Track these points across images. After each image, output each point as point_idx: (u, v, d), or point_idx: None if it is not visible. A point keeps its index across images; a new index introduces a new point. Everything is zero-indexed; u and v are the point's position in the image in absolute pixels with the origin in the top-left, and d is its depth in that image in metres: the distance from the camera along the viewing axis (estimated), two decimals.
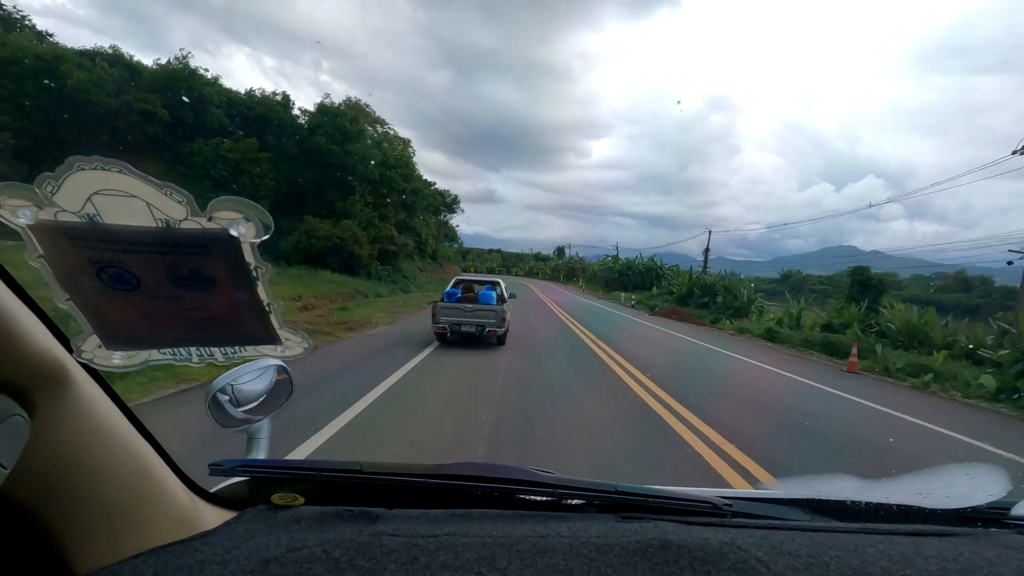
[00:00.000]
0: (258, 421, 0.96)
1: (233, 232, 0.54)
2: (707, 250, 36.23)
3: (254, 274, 0.58)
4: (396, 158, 35.11)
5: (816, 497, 0.88)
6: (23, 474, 0.50)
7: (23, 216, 0.48)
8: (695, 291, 30.58)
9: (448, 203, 55.75)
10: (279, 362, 1.01)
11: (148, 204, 0.51)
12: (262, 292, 0.60)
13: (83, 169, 0.48)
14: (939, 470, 0.90)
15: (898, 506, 0.84)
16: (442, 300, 9.72)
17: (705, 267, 35.90)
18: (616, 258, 52.39)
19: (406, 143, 39.02)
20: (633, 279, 44.39)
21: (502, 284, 11.19)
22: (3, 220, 0.48)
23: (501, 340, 9.71)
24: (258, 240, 0.55)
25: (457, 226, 60.92)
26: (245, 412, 0.95)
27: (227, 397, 0.92)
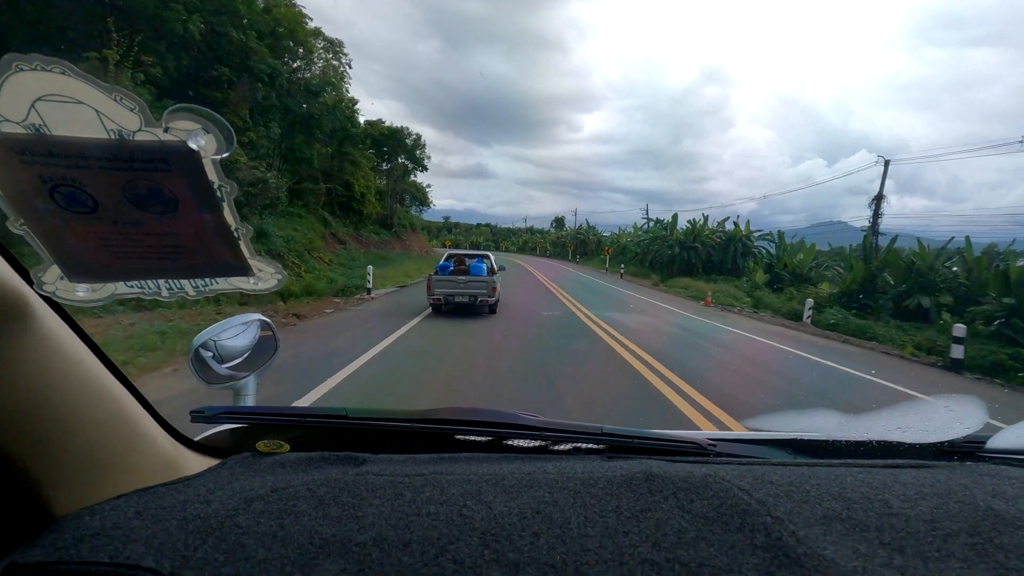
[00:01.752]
0: (243, 378, 0.95)
1: (192, 145, 0.49)
2: (878, 205, 19.08)
3: (219, 194, 0.54)
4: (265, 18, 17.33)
5: (798, 438, 0.91)
6: None
7: None
8: (879, 282, 15.13)
9: (409, 149, 37.32)
10: (262, 316, 1.02)
11: (97, 112, 0.47)
12: (228, 215, 0.56)
13: (22, 70, 0.44)
14: (918, 404, 0.93)
15: (877, 442, 0.86)
16: (436, 273, 10.45)
17: (875, 233, 18.83)
18: (663, 224, 33.59)
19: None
20: (702, 258, 26.77)
21: (491, 257, 12.02)
22: None
23: (492, 309, 10.45)
24: (220, 156, 0.51)
25: (428, 186, 42.41)
26: (229, 368, 0.93)
27: (210, 353, 0.91)
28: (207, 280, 0.63)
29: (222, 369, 0.93)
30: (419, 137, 37.91)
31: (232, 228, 0.57)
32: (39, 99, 0.45)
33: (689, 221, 28.75)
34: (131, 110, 0.47)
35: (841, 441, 0.89)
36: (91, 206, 0.52)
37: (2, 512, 0.55)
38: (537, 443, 0.81)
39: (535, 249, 72.73)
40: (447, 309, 10.27)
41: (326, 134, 23.15)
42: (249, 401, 0.96)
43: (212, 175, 0.52)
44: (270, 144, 17.29)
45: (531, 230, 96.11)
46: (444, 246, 47.57)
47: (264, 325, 1.02)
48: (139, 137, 0.49)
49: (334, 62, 30.13)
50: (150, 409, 0.70)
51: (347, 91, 30.12)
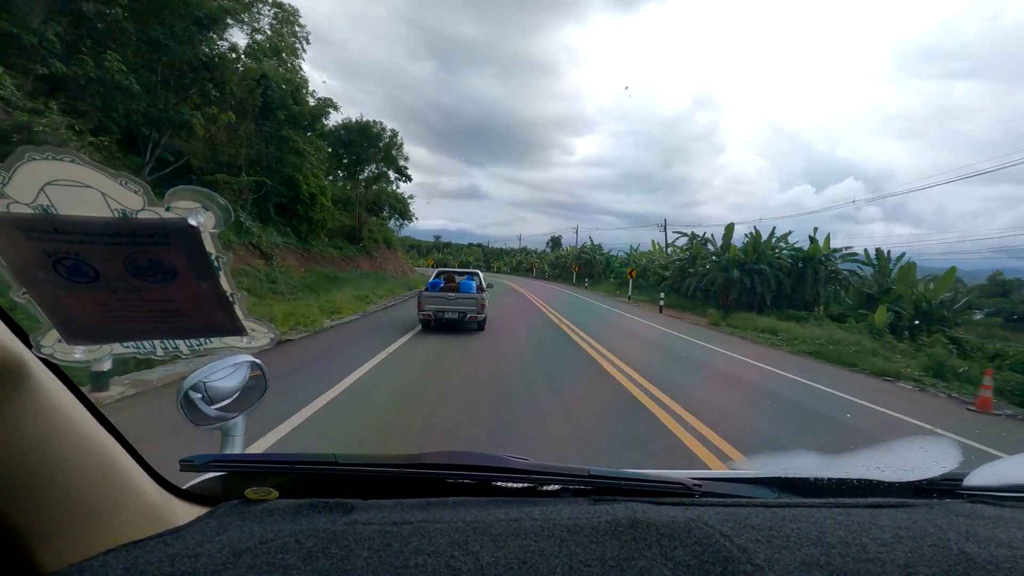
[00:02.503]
0: (232, 418, 0.94)
1: (192, 222, 0.53)
2: None
3: (216, 264, 0.57)
4: None
5: (782, 476, 0.91)
6: None
7: None
8: None
9: (383, 149, 30.12)
10: (252, 358, 1.00)
11: (103, 194, 0.50)
12: (224, 282, 0.59)
13: (34, 159, 0.47)
14: (895, 444, 0.95)
15: (858, 480, 0.87)
16: (426, 290, 10.49)
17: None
18: (702, 239, 25.79)
19: None
20: (771, 286, 19.60)
21: (480, 275, 12.23)
22: None
23: (480, 326, 10.52)
24: (218, 230, 0.55)
25: (411, 197, 34.93)
26: (219, 409, 0.93)
27: (200, 395, 0.91)
28: (202, 340, 0.66)
29: (211, 411, 0.92)
30: (395, 135, 30.67)
31: (228, 294, 0.60)
32: (48, 183, 0.48)
33: (748, 234, 21.47)
34: (135, 192, 0.51)
35: (823, 479, 0.89)
36: (92, 276, 0.55)
37: None
38: (524, 485, 0.81)
39: (531, 270, 64.54)
40: (435, 324, 10.24)
41: (239, 102, 15.98)
42: (238, 441, 0.96)
43: (210, 247, 0.56)
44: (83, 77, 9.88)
45: (525, 250, 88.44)
46: (429, 266, 40.88)
47: (254, 366, 1.00)
48: (142, 216, 0.52)
49: (284, 31, 22.96)
50: (139, 459, 0.70)
51: (299, 69, 23.24)
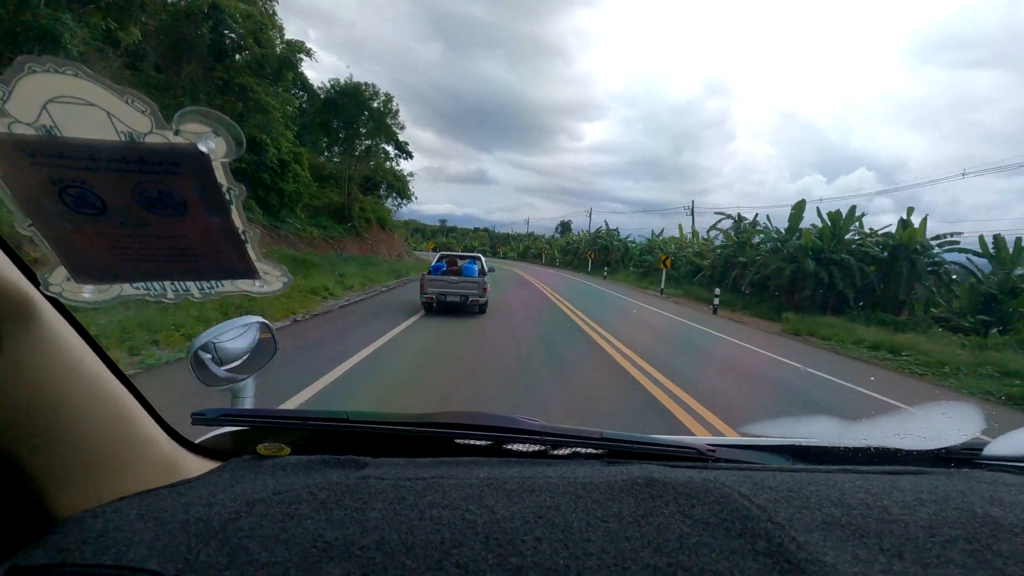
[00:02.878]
0: (242, 380, 0.94)
1: (203, 148, 0.50)
2: None
3: (227, 196, 0.54)
4: None
5: (797, 443, 0.90)
6: None
7: None
8: None
9: (377, 116, 25.60)
10: (262, 319, 1.00)
11: (109, 114, 0.47)
12: (236, 218, 0.56)
13: (35, 71, 0.44)
14: (916, 411, 0.92)
15: (875, 448, 0.86)
16: (429, 273, 10.47)
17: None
18: (754, 224, 21.43)
19: None
20: (855, 282, 15.50)
21: (482, 259, 11.95)
22: None
23: (482, 309, 10.48)
24: (228, 159, 0.51)
25: (411, 175, 30.21)
26: (228, 371, 0.93)
27: (210, 355, 0.90)
28: (213, 283, 0.63)
29: (221, 372, 0.92)
30: (390, 100, 26.24)
31: (240, 231, 0.57)
32: (51, 100, 0.45)
33: (828, 213, 16.88)
34: (142, 112, 0.48)
35: (839, 447, 0.88)
36: (100, 208, 0.52)
37: (4, 513, 0.56)
38: (537, 447, 0.80)
39: (539, 256, 59.81)
40: (438, 307, 10.06)
41: (179, 38, 11.85)
42: (247, 403, 0.94)
43: (221, 178, 0.52)
44: None
45: (532, 235, 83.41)
46: (430, 249, 37.42)
47: (263, 327, 0.99)
48: (150, 139, 0.49)
49: None
50: (151, 411, 0.69)
51: (273, 10, 18.84)
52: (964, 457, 0.84)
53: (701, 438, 0.91)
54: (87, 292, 0.58)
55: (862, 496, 0.61)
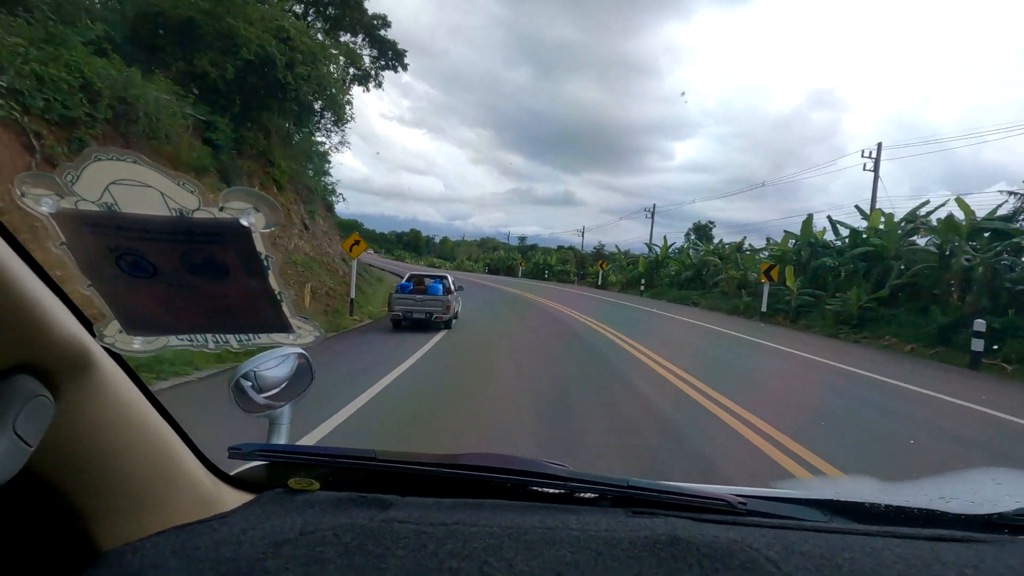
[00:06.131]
0: (279, 407, 0.98)
1: (244, 222, 0.55)
2: None
3: (265, 263, 0.60)
4: None
5: (834, 498, 0.85)
6: (48, 453, 0.52)
7: (46, 205, 0.50)
8: None
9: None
10: (300, 349, 1.03)
11: (162, 194, 0.53)
12: (273, 281, 0.62)
13: (100, 159, 0.50)
14: (964, 474, 0.87)
15: (919, 510, 0.81)
16: (396, 291, 11.17)
17: None
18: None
19: None
20: None
21: (449, 278, 12.50)
22: (27, 208, 0.50)
23: (447, 325, 11.01)
24: (267, 230, 0.56)
25: (361, 78, 19.90)
26: (267, 398, 0.96)
27: (250, 383, 0.94)
28: (250, 335, 0.68)
29: (260, 399, 0.95)
30: (386, 18, 19.29)
31: (276, 292, 0.63)
32: (112, 182, 0.51)
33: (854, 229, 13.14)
34: (191, 192, 0.53)
35: (880, 506, 0.82)
36: (151, 271, 0.57)
37: (50, 544, 0.59)
38: (561, 491, 0.80)
39: (569, 276, 47.30)
40: (406, 325, 10.59)
41: None
42: (284, 430, 0.98)
43: (260, 247, 0.58)
44: None
45: (626, 254, 59.86)
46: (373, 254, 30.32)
47: (301, 356, 1.02)
48: (197, 215, 0.54)
49: None
50: (192, 446, 0.72)
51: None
52: (1018, 524, 0.77)
53: (731, 488, 0.86)
54: (137, 343, 0.64)
55: (900, 568, 0.56)
